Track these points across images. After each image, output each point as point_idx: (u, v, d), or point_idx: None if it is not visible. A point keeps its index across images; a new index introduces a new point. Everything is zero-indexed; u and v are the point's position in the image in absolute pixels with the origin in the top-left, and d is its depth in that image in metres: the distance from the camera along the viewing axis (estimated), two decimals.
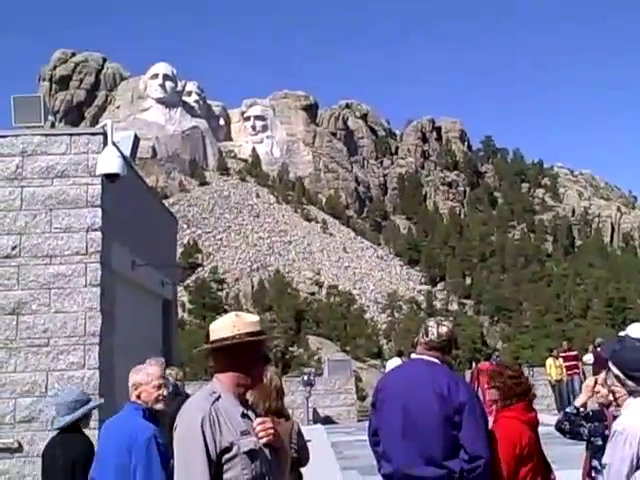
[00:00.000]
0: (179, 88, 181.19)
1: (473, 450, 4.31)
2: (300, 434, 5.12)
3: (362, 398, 36.09)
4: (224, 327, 3.28)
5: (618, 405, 4.05)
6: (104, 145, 10.95)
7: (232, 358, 3.25)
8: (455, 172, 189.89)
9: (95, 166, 10.80)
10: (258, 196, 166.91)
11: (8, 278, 11.07)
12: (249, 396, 3.55)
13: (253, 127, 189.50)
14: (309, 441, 5.50)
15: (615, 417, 3.99)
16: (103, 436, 4.96)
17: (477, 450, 4.31)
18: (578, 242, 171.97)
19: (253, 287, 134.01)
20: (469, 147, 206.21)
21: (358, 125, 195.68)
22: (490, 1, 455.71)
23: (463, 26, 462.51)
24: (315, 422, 23.69)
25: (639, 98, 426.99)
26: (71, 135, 11.77)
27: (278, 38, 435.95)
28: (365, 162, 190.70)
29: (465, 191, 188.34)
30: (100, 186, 11.30)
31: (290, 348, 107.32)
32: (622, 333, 5.05)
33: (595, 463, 4.83)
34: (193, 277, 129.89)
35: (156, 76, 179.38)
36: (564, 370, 22.12)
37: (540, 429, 4.80)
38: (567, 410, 5.11)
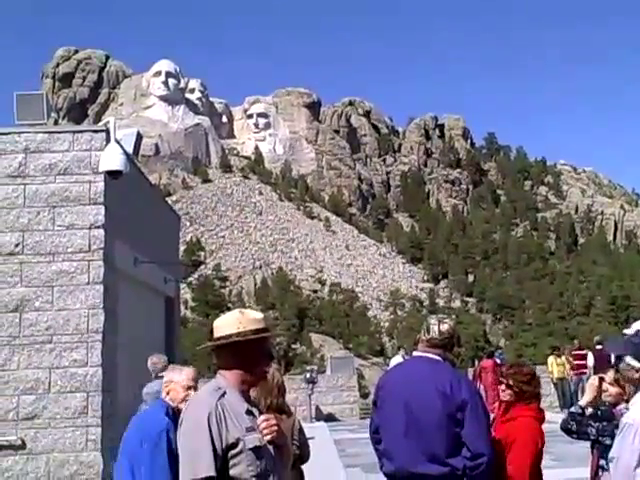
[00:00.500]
0: (182, 85, 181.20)
1: (476, 447, 4.30)
2: (301, 431, 5.12)
3: (364, 396, 36.07)
4: (229, 324, 3.27)
5: (627, 401, 4.03)
6: (107, 142, 10.96)
7: (237, 355, 3.24)
8: (458, 170, 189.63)
9: (98, 163, 10.81)
10: (261, 194, 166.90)
11: (11, 275, 11.09)
12: (251, 392, 3.55)
13: (256, 124, 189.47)
14: (312, 439, 5.51)
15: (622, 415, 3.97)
16: (128, 428, 5.13)
17: (480, 447, 4.31)
18: (581, 240, 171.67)
19: (256, 285, 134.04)
20: (472, 144, 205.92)
21: (361, 122, 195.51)
22: None
23: (466, 23, 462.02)
24: (318, 420, 23.69)
25: None
26: (74, 132, 11.77)
27: (281, 35, 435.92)
28: (368, 160, 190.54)
29: (468, 189, 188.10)
30: (103, 183, 11.30)
31: (293, 346, 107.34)
32: (626, 331, 5.03)
33: (602, 462, 4.80)
34: (196, 275, 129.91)
35: (159, 73, 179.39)
36: (567, 368, 22.10)
37: (544, 426, 4.82)
38: (572, 410, 5.08)
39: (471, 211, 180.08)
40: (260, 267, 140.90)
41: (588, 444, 5.12)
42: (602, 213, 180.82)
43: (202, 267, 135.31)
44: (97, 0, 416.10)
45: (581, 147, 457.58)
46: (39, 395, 10.80)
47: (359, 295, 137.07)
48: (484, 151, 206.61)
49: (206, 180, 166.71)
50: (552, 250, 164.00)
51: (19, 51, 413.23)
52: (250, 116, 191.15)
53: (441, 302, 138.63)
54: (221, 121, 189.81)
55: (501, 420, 4.83)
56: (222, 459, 3.08)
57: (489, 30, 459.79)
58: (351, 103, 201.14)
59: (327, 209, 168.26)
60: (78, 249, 11.16)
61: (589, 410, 5.00)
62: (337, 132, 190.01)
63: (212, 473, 3.02)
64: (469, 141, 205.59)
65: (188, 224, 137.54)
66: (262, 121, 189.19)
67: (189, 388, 4.95)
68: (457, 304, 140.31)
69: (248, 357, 3.25)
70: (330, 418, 24.50)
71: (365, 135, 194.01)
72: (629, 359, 3.69)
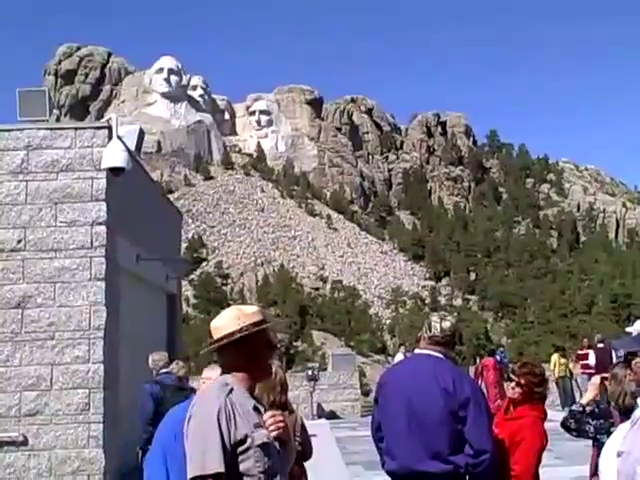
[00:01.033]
0: (184, 82, 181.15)
1: (478, 445, 4.31)
2: (304, 428, 5.11)
3: (366, 393, 36.08)
4: (228, 322, 3.27)
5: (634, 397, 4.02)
6: (109, 139, 10.96)
7: (240, 351, 3.24)
8: (460, 167, 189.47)
9: (100, 160, 10.82)
10: (263, 191, 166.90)
11: (13, 272, 11.09)
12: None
13: (258, 121, 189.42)
14: (314, 436, 5.50)
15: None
16: (163, 421, 5.13)
17: (482, 445, 4.31)
18: (583, 238, 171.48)
19: (257, 282, 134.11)
20: (474, 142, 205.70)
21: (363, 120, 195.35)
22: None
23: (468, 21, 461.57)
24: (319, 417, 23.69)
25: None
26: (76, 129, 11.76)
27: (283, 32, 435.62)
28: (370, 157, 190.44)
29: (470, 186, 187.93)
30: (105, 180, 11.30)
31: (294, 343, 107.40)
32: (628, 329, 5.03)
33: None
34: (198, 272, 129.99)
35: (161, 70, 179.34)
36: (568, 367, 22.12)
37: (545, 425, 4.82)
38: (573, 408, 5.10)
39: (473, 209, 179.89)
40: (262, 264, 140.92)
41: (590, 442, 5.14)
42: (604, 211, 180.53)
43: (204, 264, 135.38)
44: None
45: (583, 145, 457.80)
46: (41, 391, 10.81)
47: (361, 293, 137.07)
48: (486, 149, 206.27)
49: (208, 177, 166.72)
50: (554, 248, 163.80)
51: (21, 48, 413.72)
52: (252, 113, 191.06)
53: (443, 300, 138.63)
54: (223, 118, 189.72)
55: (505, 418, 4.84)
56: (231, 455, 3.09)
57: (491, 28, 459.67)
58: (353, 100, 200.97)
59: (329, 206, 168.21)
60: (80, 246, 11.16)
61: (589, 408, 5.02)
62: (339, 129, 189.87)
63: (221, 469, 3.02)
64: (471, 139, 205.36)
65: (190, 221, 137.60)
66: (264, 118, 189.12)
67: None
68: (459, 302, 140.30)
69: (252, 351, 3.26)
70: (332, 416, 24.51)
71: (367, 132, 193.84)
72: None
